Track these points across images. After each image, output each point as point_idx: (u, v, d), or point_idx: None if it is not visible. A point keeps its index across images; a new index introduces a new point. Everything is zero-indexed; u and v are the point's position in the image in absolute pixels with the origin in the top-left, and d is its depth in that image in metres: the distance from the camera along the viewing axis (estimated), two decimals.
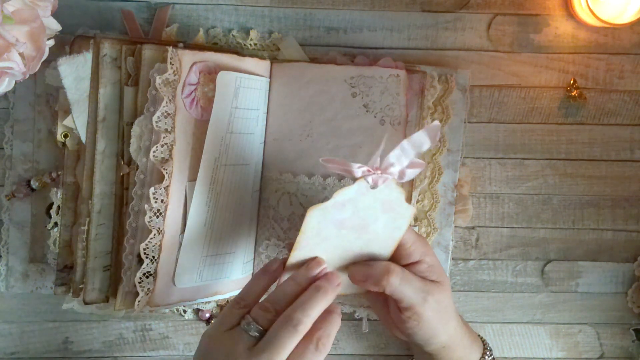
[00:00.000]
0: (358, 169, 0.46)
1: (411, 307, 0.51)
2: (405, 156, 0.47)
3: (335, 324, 0.47)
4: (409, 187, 0.59)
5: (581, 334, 0.65)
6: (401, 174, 0.48)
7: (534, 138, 0.63)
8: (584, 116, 0.63)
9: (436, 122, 0.47)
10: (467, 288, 0.64)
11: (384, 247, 0.52)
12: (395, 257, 0.52)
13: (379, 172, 0.46)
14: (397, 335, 0.55)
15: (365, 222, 0.49)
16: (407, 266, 0.52)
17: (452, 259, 0.63)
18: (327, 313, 0.47)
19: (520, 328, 0.65)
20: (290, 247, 0.48)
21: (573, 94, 0.62)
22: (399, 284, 0.50)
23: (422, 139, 0.46)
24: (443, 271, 0.53)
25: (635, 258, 0.64)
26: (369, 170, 0.46)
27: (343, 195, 0.47)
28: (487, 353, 0.56)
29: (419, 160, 0.48)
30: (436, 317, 0.51)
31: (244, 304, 0.48)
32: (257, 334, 0.45)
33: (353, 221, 0.49)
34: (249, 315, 0.46)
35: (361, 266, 0.51)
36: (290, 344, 0.44)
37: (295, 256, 0.49)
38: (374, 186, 0.47)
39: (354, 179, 0.47)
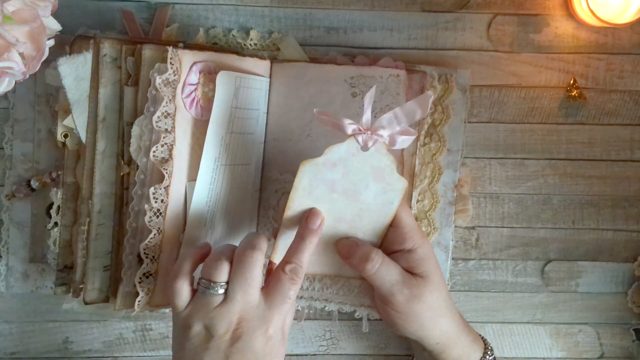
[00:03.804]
0: (349, 125, 0.48)
1: (385, 297, 0.52)
2: (397, 122, 0.48)
3: (307, 251, 0.49)
4: (409, 186, 0.59)
5: (581, 334, 0.65)
6: (392, 139, 0.49)
7: (534, 138, 0.63)
8: (584, 116, 0.63)
9: (428, 92, 0.48)
10: (467, 288, 0.64)
11: (376, 222, 0.53)
12: (390, 239, 0.53)
13: (369, 132, 0.47)
14: (391, 329, 0.55)
15: (356, 188, 0.51)
16: (398, 252, 0.53)
17: (452, 259, 0.63)
18: (298, 240, 0.50)
19: (520, 328, 0.65)
20: (282, 213, 0.50)
21: (573, 94, 0.62)
22: (374, 272, 0.51)
23: (414, 108, 0.48)
24: (435, 267, 0.53)
25: (635, 258, 0.64)
26: (359, 129, 0.47)
27: (334, 152, 0.48)
28: (488, 353, 0.56)
29: (410, 129, 0.49)
30: (418, 311, 0.52)
31: (183, 274, 0.49)
32: (222, 291, 0.47)
33: (344, 185, 0.50)
34: (203, 279, 0.47)
35: (349, 241, 0.53)
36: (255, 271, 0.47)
37: (288, 217, 0.51)
38: (364, 147, 0.48)
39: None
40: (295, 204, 0.50)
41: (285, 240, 0.52)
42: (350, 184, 0.50)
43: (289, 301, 0.48)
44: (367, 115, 0.48)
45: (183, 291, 0.48)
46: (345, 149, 0.48)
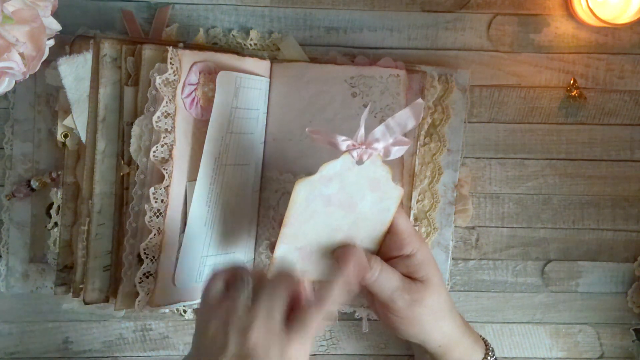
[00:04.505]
0: (343, 142, 0.47)
1: (386, 303, 0.52)
2: (390, 133, 0.48)
3: (337, 292, 0.47)
4: (409, 187, 0.59)
5: (581, 334, 0.65)
6: (386, 151, 0.49)
7: (534, 138, 0.63)
8: (584, 116, 0.63)
9: (419, 100, 0.48)
10: (467, 288, 0.64)
11: (373, 230, 0.52)
12: (388, 245, 0.53)
13: (364, 146, 0.47)
14: (392, 333, 0.55)
15: (353, 199, 0.50)
16: (397, 258, 0.53)
17: (452, 259, 0.63)
18: (334, 281, 0.48)
19: (520, 328, 0.65)
20: (281, 222, 0.49)
21: (573, 94, 0.62)
22: (374, 279, 0.51)
23: (406, 117, 0.48)
24: (435, 270, 0.53)
25: (635, 258, 0.64)
26: (353, 145, 0.47)
27: (329, 169, 0.48)
28: (490, 354, 0.56)
29: (404, 138, 0.49)
30: (419, 315, 0.52)
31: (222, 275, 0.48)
32: (251, 295, 0.45)
33: (340, 198, 0.50)
34: (240, 277, 0.46)
35: (347, 249, 0.52)
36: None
37: (285, 233, 0.49)
38: (359, 161, 0.48)
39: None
40: (292, 220, 0.49)
41: (283, 257, 0.51)
42: (346, 197, 0.50)
43: (310, 336, 0.45)
44: (361, 131, 0.47)
45: (217, 284, 0.46)
46: (341, 164, 0.48)
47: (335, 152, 0.49)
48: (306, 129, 0.48)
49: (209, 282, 0.47)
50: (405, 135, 0.50)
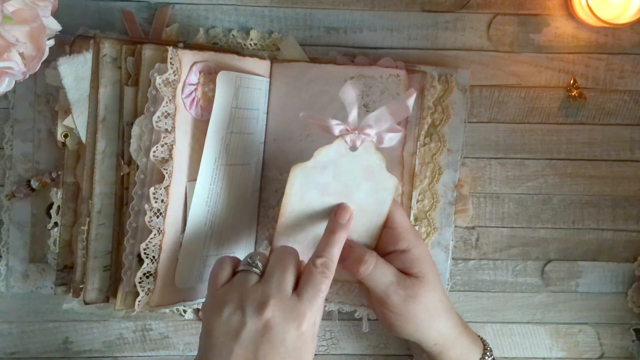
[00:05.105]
0: (336, 126, 0.48)
1: (381, 298, 0.52)
2: (383, 120, 0.48)
3: (337, 245, 0.49)
4: (409, 186, 0.59)
5: (581, 334, 0.65)
6: (380, 138, 0.49)
7: (534, 138, 0.63)
8: (584, 116, 0.63)
9: (411, 90, 0.48)
10: (467, 288, 0.64)
11: (370, 223, 0.53)
12: (384, 240, 0.54)
13: (357, 131, 0.47)
14: (389, 331, 0.55)
15: (348, 189, 0.50)
16: (392, 253, 0.53)
17: (452, 259, 0.63)
18: (328, 234, 0.50)
19: (520, 328, 0.65)
20: (277, 217, 0.50)
21: (573, 94, 0.62)
22: (368, 273, 0.51)
23: (399, 106, 0.48)
24: (430, 267, 0.53)
25: (635, 258, 0.64)
26: (347, 130, 0.47)
27: (323, 154, 0.48)
28: (488, 354, 0.56)
29: (397, 126, 0.49)
30: (414, 311, 0.52)
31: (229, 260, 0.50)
32: (259, 272, 0.48)
33: (335, 187, 0.50)
34: (246, 259, 0.49)
35: (344, 244, 0.52)
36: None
37: (282, 223, 0.50)
38: (352, 147, 0.48)
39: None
40: (288, 210, 0.49)
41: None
42: (342, 186, 0.50)
43: (321, 295, 0.47)
44: (353, 115, 0.48)
45: (226, 268, 0.49)
46: (335, 150, 0.48)
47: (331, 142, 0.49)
48: (300, 114, 0.49)
49: (216, 269, 0.49)
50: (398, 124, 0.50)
